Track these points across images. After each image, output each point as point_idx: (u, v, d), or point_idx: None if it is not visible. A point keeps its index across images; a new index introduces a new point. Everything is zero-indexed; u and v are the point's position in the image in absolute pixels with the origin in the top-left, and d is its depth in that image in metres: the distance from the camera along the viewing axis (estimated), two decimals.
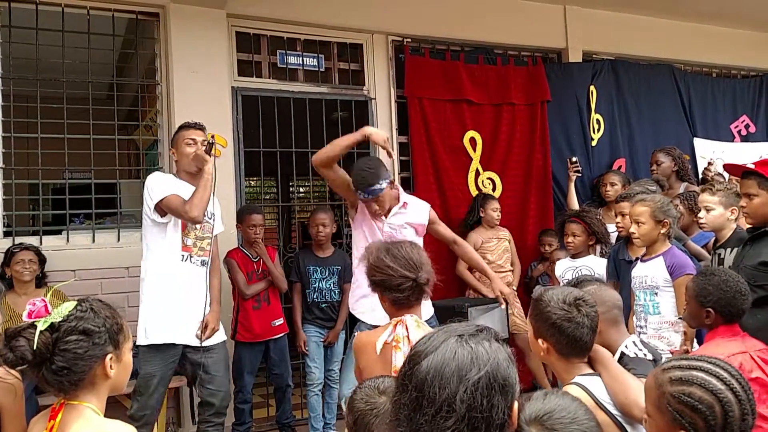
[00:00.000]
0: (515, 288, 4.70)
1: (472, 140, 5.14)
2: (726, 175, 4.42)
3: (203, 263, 3.31)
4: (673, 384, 1.45)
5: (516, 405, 1.10)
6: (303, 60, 4.78)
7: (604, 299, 2.06)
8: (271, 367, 4.17)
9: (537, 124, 5.33)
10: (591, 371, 1.81)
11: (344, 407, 1.75)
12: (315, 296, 4.20)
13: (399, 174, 4.98)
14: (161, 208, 3.16)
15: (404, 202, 3.43)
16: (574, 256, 4.14)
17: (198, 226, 3.27)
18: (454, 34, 5.20)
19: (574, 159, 5.27)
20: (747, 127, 6.35)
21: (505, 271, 4.70)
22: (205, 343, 3.24)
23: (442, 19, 5.11)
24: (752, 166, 2.78)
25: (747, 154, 5.75)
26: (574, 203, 5.07)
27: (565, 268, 4.15)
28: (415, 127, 4.94)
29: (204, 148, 3.22)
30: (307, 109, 4.68)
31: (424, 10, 5.05)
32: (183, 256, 3.23)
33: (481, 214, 4.75)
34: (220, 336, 3.37)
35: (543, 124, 5.36)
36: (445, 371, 1.05)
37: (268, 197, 8.12)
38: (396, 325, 2.05)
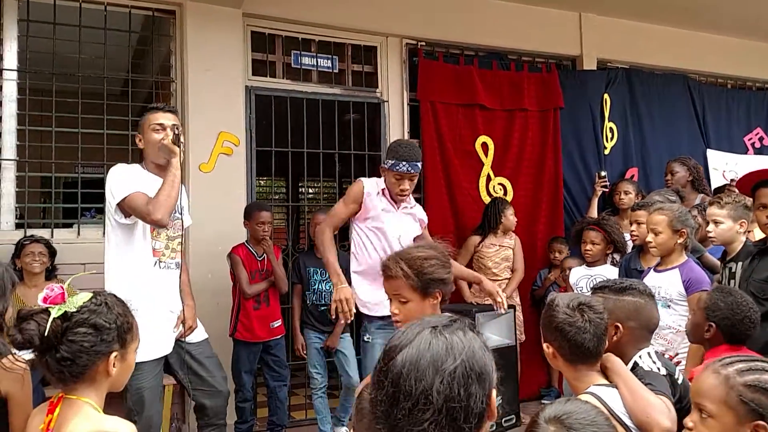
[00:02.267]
0: (508, 295, 4.57)
1: (484, 145, 5.13)
2: None
3: (177, 266, 2.98)
4: (743, 374, 1.45)
5: (494, 393, 1.09)
6: (317, 61, 4.79)
7: (641, 316, 2.02)
8: (270, 368, 4.15)
9: (549, 131, 5.32)
10: (605, 381, 1.80)
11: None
12: (314, 298, 4.19)
13: None
14: (124, 208, 2.77)
15: (410, 203, 3.35)
16: (590, 264, 4.11)
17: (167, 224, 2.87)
18: (469, 39, 5.19)
19: (603, 173, 5.25)
20: (761, 139, 6.31)
21: (501, 280, 4.64)
22: (187, 341, 3.02)
23: (456, 24, 5.11)
24: None
25: (760, 166, 5.69)
26: (594, 215, 5.02)
27: (579, 276, 4.13)
28: (427, 130, 4.93)
29: (171, 137, 2.80)
30: (320, 110, 4.68)
31: (438, 14, 5.05)
32: (155, 261, 2.86)
33: (502, 220, 4.72)
34: (200, 334, 3.13)
35: (555, 130, 5.34)
36: (420, 363, 1.03)
37: (277, 197, 8.13)
38: None
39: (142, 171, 2.90)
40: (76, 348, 1.50)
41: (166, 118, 2.89)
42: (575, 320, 1.79)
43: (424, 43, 5.08)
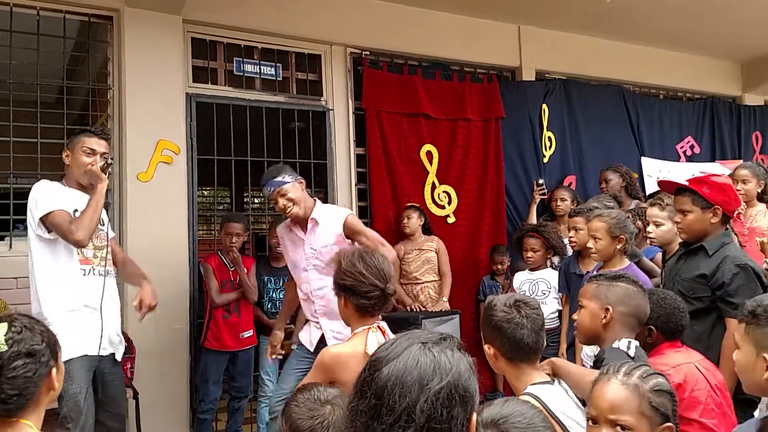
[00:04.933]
0: (445, 299, 4.62)
1: (429, 154, 5.18)
2: None
3: (108, 273, 3.05)
4: (645, 381, 1.51)
5: (474, 416, 1.09)
6: (260, 68, 4.74)
7: (631, 302, 2.13)
8: (234, 378, 4.18)
9: (491, 140, 5.42)
10: (545, 379, 1.84)
11: (280, 423, 1.70)
12: (269, 306, 4.20)
13: (356, 185, 4.98)
14: (46, 223, 2.84)
15: (314, 219, 3.28)
16: (532, 269, 4.21)
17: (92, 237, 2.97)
18: (412, 49, 5.25)
19: (540, 181, 5.38)
20: (692, 147, 6.59)
21: (422, 283, 4.66)
22: (111, 351, 3.00)
23: (400, 34, 5.15)
24: (686, 183, 2.86)
25: (691, 173, 5.93)
26: (533, 222, 5.14)
27: (522, 280, 4.22)
28: (372, 139, 4.95)
29: (101, 164, 2.92)
30: (264, 118, 4.64)
31: (382, 23, 5.09)
32: (84, 270, 2.93)
33: (406, 224, 4.73)
34: (121, 349, 3.12)
35: (497, 139, 5.44)
36: (406, 379, 1.03)
37: (221, 207, 7.99)
38: (369, 330, 2.07)
39: (63, 188, 2.98)
40: (20, 382, 1.45)
41: (99, 145, 2.99)
42: (513, 317, 1.84)
43: (368, 52, 5.10)
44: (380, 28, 5.08)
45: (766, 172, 4.29)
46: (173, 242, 4.20)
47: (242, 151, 4.60)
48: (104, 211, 3.05)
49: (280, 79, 4.84)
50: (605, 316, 2.09)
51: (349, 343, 2.15)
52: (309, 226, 3.27)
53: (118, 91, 4.23)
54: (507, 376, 1.92)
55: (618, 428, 1.51)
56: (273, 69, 4.79)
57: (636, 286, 2.18)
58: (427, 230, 4.83)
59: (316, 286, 3.22)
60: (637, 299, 2.15)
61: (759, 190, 4.08)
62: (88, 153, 2.95)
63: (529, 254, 4.20)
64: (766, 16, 5.56)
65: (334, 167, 4.91)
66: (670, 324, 2.33)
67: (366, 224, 4.94)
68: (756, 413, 2.49)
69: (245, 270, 4.18)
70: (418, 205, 4.91)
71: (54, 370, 1.54)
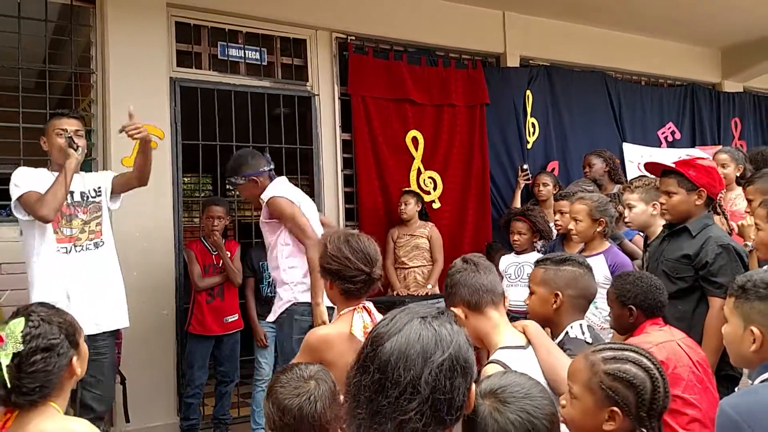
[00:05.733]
0: (431, 285, 4.61)
1: (414, 139, 5.20)
2: None
3: (97, 245, 3.12)
4: (606, 362, 1.53)
5: (473, 386, 1.13)
6: (245, 53, 4.71)
7: (579, 285, 2.15)
8: (219, 363, 4.19)
9: (476, 126, 5.44)
10: (517, 342, 1.86)
11: (267, 407, 1.71)
12: (268, 291, 4.19)
13: (342, 171, 4.99)
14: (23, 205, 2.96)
15: (262, 200, 3.36)
16: (518, 253, 4.26)
17: (80, 210, 3.08)
18: (398, 35, 5.24)
19: (525, 167, 5.43)
20: (673, 133, 6.68)
21: (408, 268, 4.68)
22: (99, 330, 3.02)
23: (385, 19, 5.14)
24: (672, 165, 2.91)
25: (672, 159, 6.02)
26: (518, 206, 5.19)
27: (508, 263, 4.27)
28: (358, 124, 4.95)
29: (64, 141, 2.99)
30: (249, 103, 4.61)
31: (368, 9, 5.07)
32: (66, 248, 3.02)
33: (402, 209, 4.73)
34: (113, 322, 3.13)
35: (482, 125, 5.47)
36: (410, 353, 1.05)
37: (204, 194, 7.93)
38: (354, 311, 2.08)
39: (47, 172, 3.08)
40: (40, 375, 1.48)
41: (70, 124, 3.08)
42: (467, 268, 1.92)
43: (354, 38, 5.09)
44: (366, 13, 5.06)
45: (744, 157, 4.38)
46: (158, 228, 4.18)
47: (227, 137, 4.57)
48: (99, 179, 3.19)
49: (265, 63, 4.81)
50: (555, 301, 2.12)
51: (335, 325, 2.16)
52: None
53: (101, 75, 4.18)
54: (482, 336, 1.91)
55: (569, 395, 1.57)
56: (258, 54, 4.76)
57: (582, 267, 2.19)
58: (423, 216, 4.84)
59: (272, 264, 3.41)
60: (584, 281, 2.17)
61: (737, 175, 4.17)
62: (60, 134, 3.04)
63: (516, 237, 4.25)
64: (745, 2, 5.63)
65: (320, 153, 4.91)
66: (649, 301, 2.38)
67: (352, 210, 5.00)
68: (737, 389, 2.56)
69: (228, 254, 4.17)
70: (416, 191, 4.94)
71: (75, 358, 1.57)
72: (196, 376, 4.07)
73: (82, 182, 3.16)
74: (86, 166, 3.69)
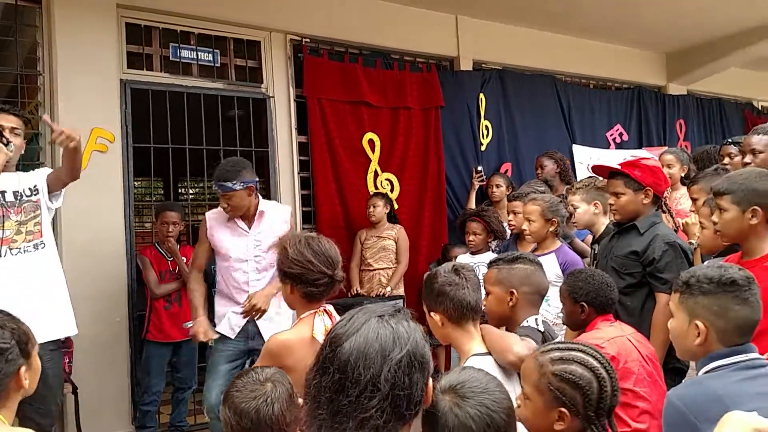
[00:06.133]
0: (389, 288, 4.65)
1: (371, 142, 5.22)
2: None
3: (36, 247, 2.95)
4: (554, 363, 1.56)
5: (431, 382, 1.15)
6: (197, 54, 4.65)
7: (532, 281, 2.20)
8: (177, 369, 4.17)
9: (431, 128, 5.50)
10: (482, 350, 1.92)
11: (224, 412, 1.69)
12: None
13: (299, 173, 4.97)
14: None
15: (261, 212, 3.34)
16: (473, 253, 4.32)
17: (12, 211, 2.91)
18: (353, 38, 5.25)
19: (479, 168, 5.52)
20: (621, 135, 6.87)
21: (373, 269, 4.72)
22: (40, 340, 2.89)
23: (340, 22, 5.15)
24: (618, 167, 3.01)
25: (619, 160, 6.19)
26: (473, 207, 5.26)
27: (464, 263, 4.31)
28: (314, 126, 4.94)
29: None
30: (202, 105, 4.55)
31: (322, 11, 5.07)
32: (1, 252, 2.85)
33: (371, 212, 4.78)
34: (56, 331, 2.95)
35: (437, 128, 5.53)
36: (369, 351, 1.07)
37: (155, 198, 7.77)
38: (315, 315, 2.08)
39: None
40: None
41: (8, 120, 2.94)
42: (454, 279, 1.94)
43: (308, 40, 5.08)
44: (320, 15, 5.06)
45: (689, 158, 4.54)
46: (109, 233, 4.10)
47: (180, 140, 4.51)
48: (34, 178, 3.02)
49: (218, 65, 4.76)
50: (511, 299, 2.17)
51: (295, 329, 2.14)
52: (256, 219, 3.32)
53: (48, 77, 4.07)
54: (454, 343, 1.98)
55: (522, 395, 1.62)
56: (211, 55, 4.71)
57: (533, 264, 2.26)
58: (392, 218, 4.88)
59: (254, 278, 3.29)
60: (537, 277, 2.24)
61: (682, 174, 4.32)
62: None
63: (471, 237, 4.32)
64: (689, 7, 5.84)
65: (276, 155, 4.88)
66: (600, 298, 2.45)
67: (310, 213, 4.99)
68: (684, 381, 2.64)
69: (184, 259, 4.12)
70: (384, 193, 4.97)
71: (24, 368, 1.52)
72: (154, 383, 4.01)
73: (17, 181, 2.99)
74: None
